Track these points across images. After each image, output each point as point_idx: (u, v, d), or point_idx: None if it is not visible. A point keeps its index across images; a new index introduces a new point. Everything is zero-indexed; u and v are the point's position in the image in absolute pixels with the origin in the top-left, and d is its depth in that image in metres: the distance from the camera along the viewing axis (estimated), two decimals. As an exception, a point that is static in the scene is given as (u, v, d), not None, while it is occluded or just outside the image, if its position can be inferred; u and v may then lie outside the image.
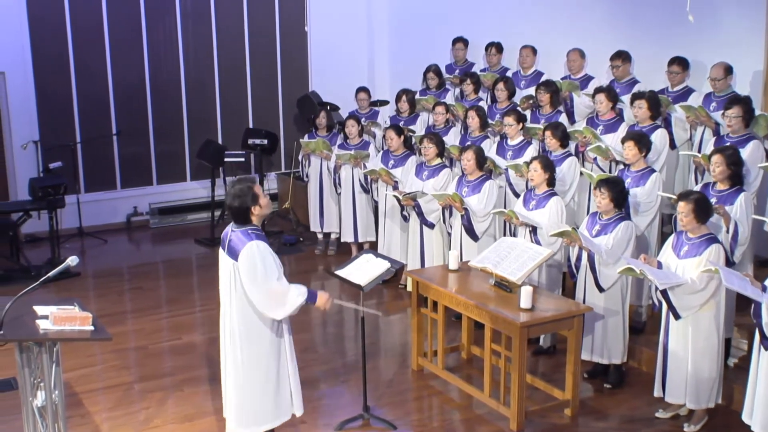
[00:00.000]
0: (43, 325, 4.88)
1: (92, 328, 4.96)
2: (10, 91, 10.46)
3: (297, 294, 5.09)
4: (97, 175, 11.20)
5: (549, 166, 6.97)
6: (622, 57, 8.36)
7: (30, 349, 5.03)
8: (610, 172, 7.47)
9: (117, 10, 10.94)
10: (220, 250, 5.27)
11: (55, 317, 4.89)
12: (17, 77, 10.46)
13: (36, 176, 10.26)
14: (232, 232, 5.16)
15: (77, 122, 10.94)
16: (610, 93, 7.86)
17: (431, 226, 8.15)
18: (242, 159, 10.83)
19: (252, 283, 5.01)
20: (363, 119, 9.87)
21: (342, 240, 9.77)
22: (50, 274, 5.13)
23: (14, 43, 10.36)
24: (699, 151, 7.30)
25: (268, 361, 5.24)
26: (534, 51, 9.46)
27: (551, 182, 7.00)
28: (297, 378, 5.42)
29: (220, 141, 11.62)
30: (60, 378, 4.99)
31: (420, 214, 8.13)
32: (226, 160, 10.76)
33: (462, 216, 7.58)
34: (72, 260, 5.08)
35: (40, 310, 5.06)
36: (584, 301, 6.52)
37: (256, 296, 5.04)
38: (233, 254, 5.09)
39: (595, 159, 7.64)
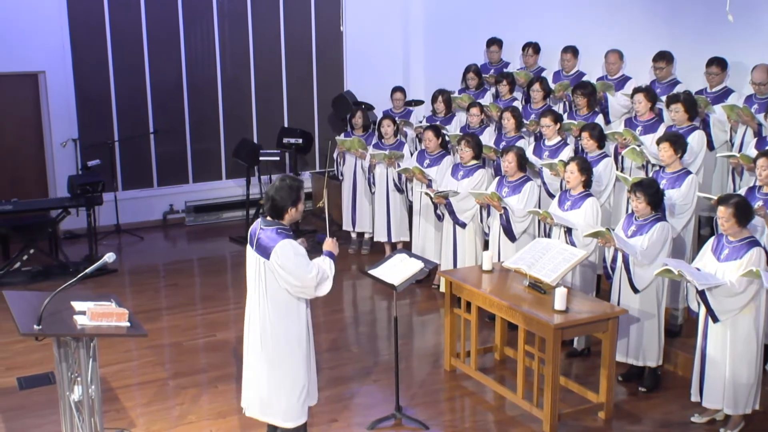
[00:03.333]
0: (80, 320, 4.95)
1: (128, 324, 5.02)
2: (50, 89, 10.63)
3: (328, 265, 5.30)
4: (134, 173, 11.34)
5: (586, 168, 6.90)
6: (665, 59, 8.25)
7: (67, 344, 5.10)
8: (646, 174, 7.38)
9: (155, 11, 11.06)
10: (248, 246, 5.37)
11: (93, 313, 4.96)
12: (57, 76, 10.62)
13: (75, 174, 10.40)
14: (261, 230, 5.24)
15: (115, 121, 11.08)
16: (649, 93, 7.77)
17: (463, 225, 8.13)
18: (277, 158, 10.90)
19: (295, 278, 5.13)
20: (397, 118, 9.88)
21: (375, 239, 9.78)
22: (88, 270, 5.19)
23: (55, 42, 10.53)
24: (740, 152, 7.19)
25: (297, 352, 5.31)
26: (575, 53, 9.37)
27: (587, 184, 6.94)
28: (313, 374, 5.54)
29: (255, 140, 11.69)
30: (96, 373, 5.05)
31: (451, 212, 8.11)
32: (261, 159, 10.83)
33: (501, 215, 7.54)
34: (109, 257, 5.14)
35: (77, 305, 5.13)
36: (619, 303, 6.46)
37: (301, 287, 5.17)
38: (264, 253, 5.17)
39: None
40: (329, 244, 5.46)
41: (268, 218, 5.24)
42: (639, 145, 7.43)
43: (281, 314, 5.23)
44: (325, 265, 5.27)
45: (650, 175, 7.16)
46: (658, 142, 6.91)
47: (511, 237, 7.55)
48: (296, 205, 5.21)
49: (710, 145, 7.57)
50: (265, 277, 5.20)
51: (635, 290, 6.37)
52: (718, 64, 7.78)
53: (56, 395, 5.53)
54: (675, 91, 7.88)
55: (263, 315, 5.26)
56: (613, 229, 6.45)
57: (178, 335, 7.82)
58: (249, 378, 5.44)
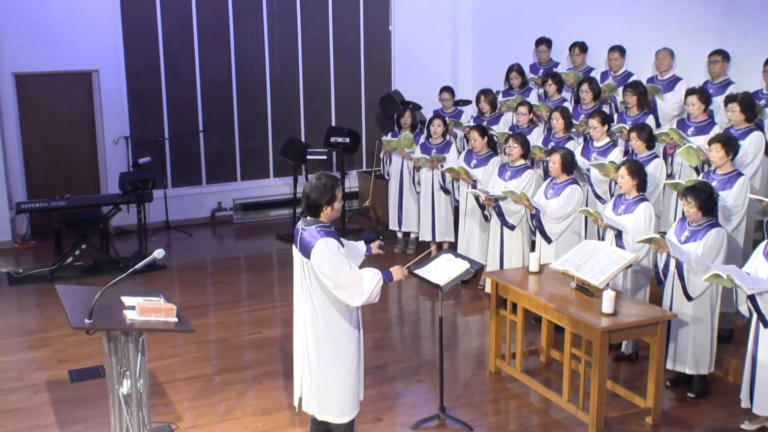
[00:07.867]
0: (129, 315, 5.02)
1: (176, 319, 5.08)
2: (103, 88, 10.83)
3: (371, 277, 5.13)
4: (184, 171, 11.49)
5: (637, 171, 6.77)
6: (722, 54, 8.11)
7: (117, 338, 5.17)
8: (700, 172, 7.24)
9: (206, 11, 11.20)
10: (293, 246, 5.39)
11: (142, 308, 5.03)
12: (110, 75, 10.82)
13: (126, 171, 10.58)
14: (303, 229, 5.21)
15: (166, 119, 11.25)
16: (703, 94, 7.65)
17: (511, 227, 8.07)
18: (324, 157, 10.96)
19: (327, 279, 5.08)
20: (447, 118, 9.85)
21: (420, 239, 9.77)
22: (138, 266, 5.25)
23: (108, 42, 10.72)
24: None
25: (348, 350, 5.33)
26: (623, 52, 9.25)
27: (641, 187, 6.82)
28: (362, 370, 5.55)
29: (303, 139, 11.77)
30: (145, 367, 5.12)
31: (500, 215, 8.06)
32: (308, 157, 10.90)
33: (533, 215, 7.48)
34: (158, 253, 5.21)
35: (127, 300, 5.21)
36: (671, 309, 6.34)
37: (335, 290, 5.12)
38: (305, 252, 5.17)
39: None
40: (397, 270, 5.37)
41: (308, 217, 5.21)
42: (692, 145, 7.29)
43: (328, 313, 5.23)
44: (367, 276, 5.11)
45: (701, 176, 7.03)
46: (710, 143, 6.79)
47: (546, 238, 7.49)
48: (331, 204, 5.14)
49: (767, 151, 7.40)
50: (309, 277, 5.20)
51: (689, 298, 6.24)
52: None
53: (106, 388, 5.62)
54: (728, 92, 7.73)
55: (313, 315, 5.26)
56: (665, 233, 6.34)
57: (225, 331, 7.90)
58: (303, 375, 5.45)
